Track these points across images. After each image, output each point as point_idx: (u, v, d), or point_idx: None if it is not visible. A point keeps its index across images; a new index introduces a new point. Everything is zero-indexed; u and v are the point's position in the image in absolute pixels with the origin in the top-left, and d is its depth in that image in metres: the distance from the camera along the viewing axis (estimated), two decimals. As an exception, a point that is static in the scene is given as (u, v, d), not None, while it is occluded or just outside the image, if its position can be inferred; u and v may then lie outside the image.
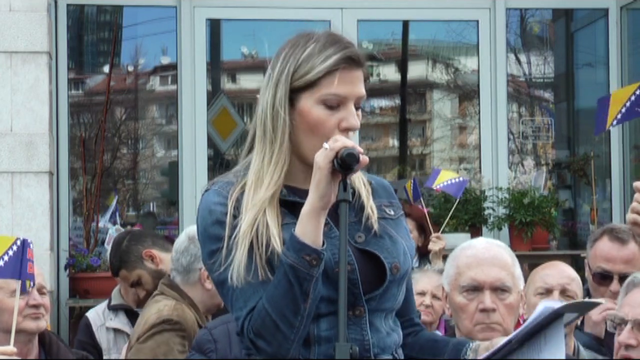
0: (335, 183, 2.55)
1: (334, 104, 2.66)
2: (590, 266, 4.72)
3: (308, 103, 2.66)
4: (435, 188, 7.20)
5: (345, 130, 2.66)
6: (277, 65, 2.70)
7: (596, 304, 2.66)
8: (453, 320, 3.65)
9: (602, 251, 4.67)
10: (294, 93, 2.67)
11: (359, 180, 2.79)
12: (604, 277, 4.60)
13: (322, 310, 2.63)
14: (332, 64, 2.65)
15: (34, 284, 4.23)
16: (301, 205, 2.64)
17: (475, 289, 3.49)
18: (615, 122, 4.66)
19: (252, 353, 2.67)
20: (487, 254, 3.54)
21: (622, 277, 4.28)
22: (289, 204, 2.68)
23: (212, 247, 2.67)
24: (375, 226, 2.74)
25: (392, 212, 2.82)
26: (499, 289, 3.49)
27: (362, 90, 2.70)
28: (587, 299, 2.59)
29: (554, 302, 2.56)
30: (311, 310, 2.56)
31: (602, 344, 4.37)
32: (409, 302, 2.87)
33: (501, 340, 2.66)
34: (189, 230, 4.50)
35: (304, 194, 2.66)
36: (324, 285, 2.59)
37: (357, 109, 2.70)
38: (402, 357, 2.78)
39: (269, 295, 2.56)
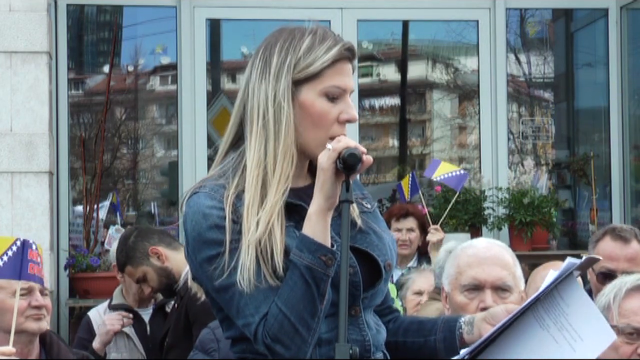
0: (340, 183, 2.52)
1: (335, 96, 2.65)
2: (592, 267, 4.71)
3: (310, 95, 2.64)
4: (434, 179, 7.18)
5: (345, 122, 2.65)
6: (272, 59, 2.65)
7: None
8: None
9: (605, 250, 4.67)
10: (294, 86, 2.64)
11: None
12: (607, 276, 4.59)
13: None
14: (335, 55, 2.64)
15: (43, 284, 4.23)
16: (298, 207, 2.62)
17: (476, 287, 3.49)
18: None
19: (247, 356, 2.64)
20: (488, 253, 3.54)
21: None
22: (288, 206, 2.63)
23: (211, 253, 2.58)
24: (359, 221, 2.71)
25: (369, 205, 2.79)
26: (500, 288, 3.48)
27: (353, 83, 2.71)
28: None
29: (577, 259, 2.59)
30: (325, 312, 2.54)
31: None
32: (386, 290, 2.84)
33: (499, 308, 2.70)
34: None
35: (299, 193, 2.65)
36: None
37: None
38: (388, 355, 2.76)
39: (284, 298, 2.51)
